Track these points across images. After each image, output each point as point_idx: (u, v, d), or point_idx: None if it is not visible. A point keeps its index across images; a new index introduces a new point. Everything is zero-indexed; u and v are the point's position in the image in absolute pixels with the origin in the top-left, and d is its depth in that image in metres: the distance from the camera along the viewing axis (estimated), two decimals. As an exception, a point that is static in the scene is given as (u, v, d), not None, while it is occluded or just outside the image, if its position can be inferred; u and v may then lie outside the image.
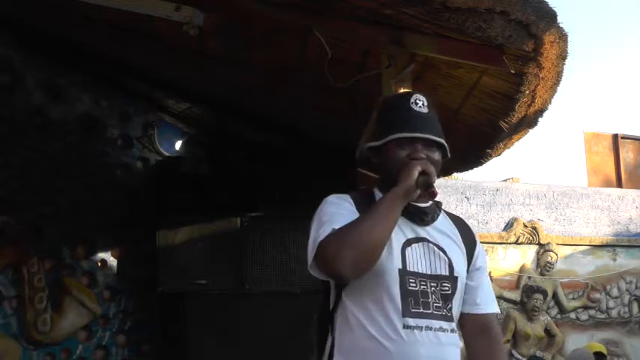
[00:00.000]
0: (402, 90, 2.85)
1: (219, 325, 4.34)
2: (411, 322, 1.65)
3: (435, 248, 1.73)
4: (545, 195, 7.66)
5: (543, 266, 7.40)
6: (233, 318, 4.33)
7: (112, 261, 4.88)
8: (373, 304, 1.65)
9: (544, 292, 7.24)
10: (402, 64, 2.86)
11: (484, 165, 3.88)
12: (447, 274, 1.73)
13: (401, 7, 2.49)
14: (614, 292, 7.77)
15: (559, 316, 7.47)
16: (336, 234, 1.60)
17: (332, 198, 1.75)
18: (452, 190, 7.20)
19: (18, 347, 4.45)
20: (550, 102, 3.10)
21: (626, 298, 7.83)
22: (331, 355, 1.69)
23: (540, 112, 3.18)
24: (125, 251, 4.89)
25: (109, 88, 4.94)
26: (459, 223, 1.86)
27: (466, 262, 1.79)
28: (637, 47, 37.60)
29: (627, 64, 37.59)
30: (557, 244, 7.46)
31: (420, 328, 1.65)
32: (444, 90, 3.26)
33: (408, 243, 1.71)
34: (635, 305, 7.86)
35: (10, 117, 4.55)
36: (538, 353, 6.96)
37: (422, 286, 1.68)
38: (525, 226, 7.36)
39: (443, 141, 1.76)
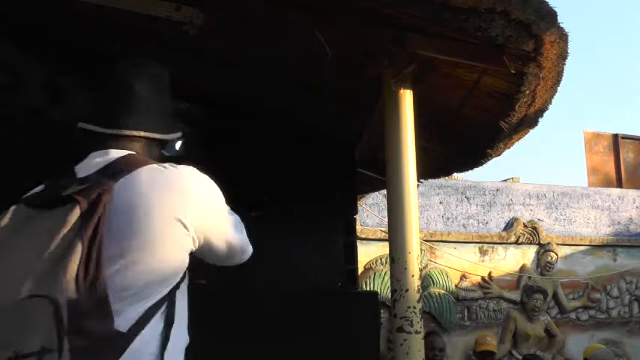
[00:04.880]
0: (401, 90, 2.86)
1: (219, 325, 4.34)
2: None
3: None
4: (545, 195, 7.67)
5: (543, 266, 7.41)
6: (233, 318, 4.32)
7: (112, 261, 4.88)
8: None
9: (544, 292, 7.24)
10: (402, 64, 2.86)
11: (484, 165, 3.88)
12: None
13: (401, 7, 2.49)
14: (615, 292, 7.78)
15: (559, 316, 7.48)
16: None
17: None
18: (452, 190, 7.21)
19: (18, 347, 4.45)
20: (550, 102, 3.10)
21: (627, 298, 7.84)
22: None
23: (540, 112, 3.18)
24: (125, 251, 4.89)
25: (109, 88, 4.94)
26: None
27: None
28: (638, 47, 37.62)
29: (627, 64, 37.60)
30: (558, 244, 7.48)
31: None
32: (444, 90, 3.26)
33: None
34: (635, 305, 7.87)
35: (10, 117, 4.55)
36: (539, 353, 6.95)
37: None
38: (525, 226, 7.37)
39: None
